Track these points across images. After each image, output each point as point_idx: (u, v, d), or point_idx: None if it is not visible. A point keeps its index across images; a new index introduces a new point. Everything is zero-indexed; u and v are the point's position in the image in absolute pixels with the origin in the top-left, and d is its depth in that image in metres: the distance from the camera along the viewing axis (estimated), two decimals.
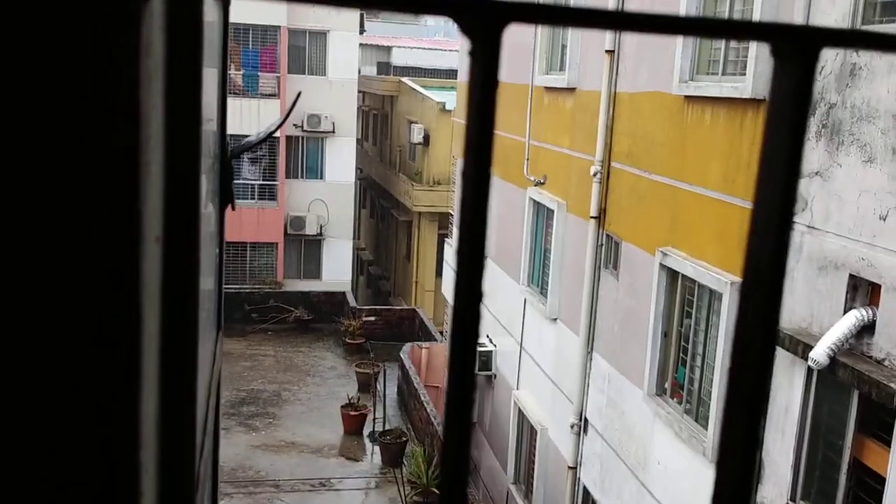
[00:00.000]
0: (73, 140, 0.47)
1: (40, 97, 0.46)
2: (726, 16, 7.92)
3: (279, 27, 24.67)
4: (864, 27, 6.13)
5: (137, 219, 0.49)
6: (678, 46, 8.43)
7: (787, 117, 0.41)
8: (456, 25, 0.38)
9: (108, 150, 0.47)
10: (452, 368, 0.41)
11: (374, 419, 16.90)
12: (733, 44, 7.88)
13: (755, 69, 7.17)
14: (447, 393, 0.42)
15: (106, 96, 0.47)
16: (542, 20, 0.39)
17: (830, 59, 6.35)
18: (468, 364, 0.41)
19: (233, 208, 1.58)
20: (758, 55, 7.16)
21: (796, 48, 0.41)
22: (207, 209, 1.09)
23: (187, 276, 0.71)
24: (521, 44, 13.03)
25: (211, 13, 1.17)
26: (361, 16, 26.43)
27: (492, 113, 0.38)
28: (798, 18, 6.67)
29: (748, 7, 7.57)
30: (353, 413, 17.08)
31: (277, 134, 24.53)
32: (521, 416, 12.92)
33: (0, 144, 0.46)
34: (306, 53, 25.54)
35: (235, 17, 23.93)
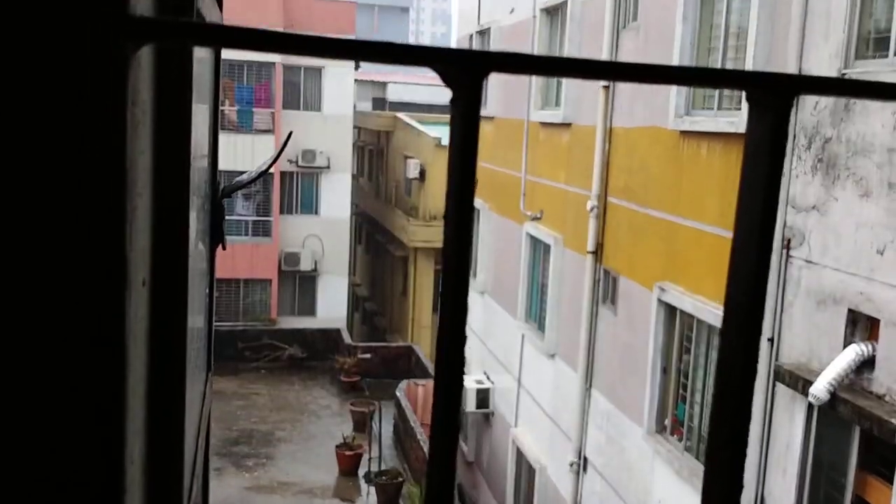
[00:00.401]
0: (59, 186, 0.47)
1: (29, 143, 0.46)
2: (720, 52, 7.98)
3: (274, 63, 24.87)
4: (858, 62, 6.17)
5: (123, 264, 0.48)
6: None
7: (763, 162, 0.42)
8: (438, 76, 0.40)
9: (94, 196, 0.47)
10: (437, 406, 0.42)
11: (369, 459, 16.68)
12: None
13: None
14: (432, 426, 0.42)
15: (93, 143, 0.46)
16: (520, 70, 0.42)
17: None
18: (453, 401, 0.42)
19: (223, 248, 1.54)
20: None
21: (770, 96, 0.42)
22: (198, 248, 1.06)
23: (175, 319, 0.69)
24: (516, 79, 13.13)
25: (201, 56, 1.15)
26: None
27: (473, 157, 0.39)
28: (792, 54, 6.71)
29: (741, 43, 7.62)
30: (347, 453, 16.86)
31: (272, 170, 24.58)
32: (520, 454, 12.76)
33: None
34: (301, 89, 25.71)
35: (230, 53, 24.17)
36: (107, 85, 0.45)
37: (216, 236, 1.44)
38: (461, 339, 0.41)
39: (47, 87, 0.45)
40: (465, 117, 0.38)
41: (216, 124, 1.60)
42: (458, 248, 0.39)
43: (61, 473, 0.51)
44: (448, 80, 0.39)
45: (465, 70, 0.38)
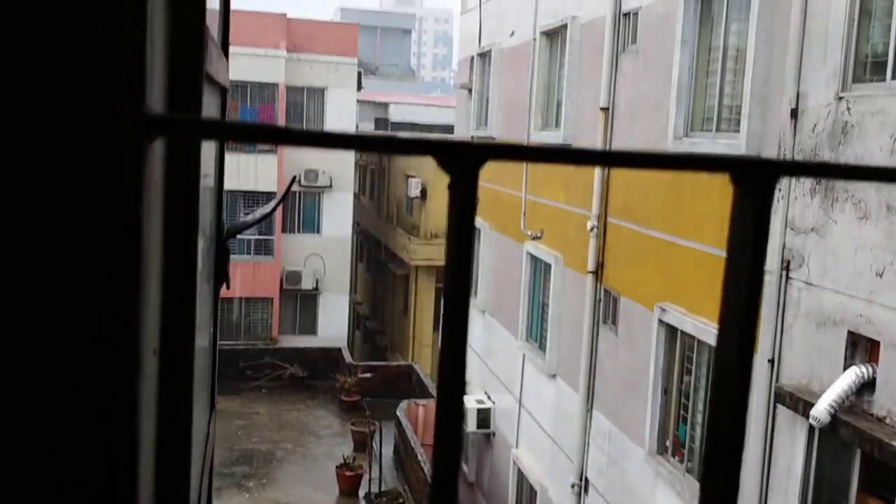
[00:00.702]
0: (76, 267, 0.49)
1: (52, 237, 0.49)
2: (719, 75, 8.03)
3: (277, 84, 25.02)
4: (855, 85, 6.22)
5: (135, 338, 0.49)
6: (672, 103, 8.54)
7: (749, 241, 0.44)
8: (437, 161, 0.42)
9: (109, 275, 0.49)
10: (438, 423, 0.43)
11: (369, 479, 16.61)
12: (727, 101, 7.98)
13: (749, 126, 7.25)
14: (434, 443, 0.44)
15: (109, 228, 0.49)
16: (515, 158, 0.44)
17: (822, 118, 6.42)
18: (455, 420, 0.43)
19: (227, 287, 1.56)
20: (750, 113, 7.24)
21: (753, 179, 0.44)
22: (202, 291, 1.09)
23: (182, 385, 0.71)
24: (517, 100, 13.21)
25: (209, 105, 1.18)
26: (359, 73, 26.84)
27: (470, 239, 0.42)
28: (790, 77, 6.76)
29: (740, 66, 7.69)
30: (348, 473, 16.79)
31: (275, 189, 24.66)
32: (521, 475, 12.71)
33: (6, 267, 0.48)
34: (304, 110, 25.85)
35: (234, 74, 24.27)
36: (123, 179, 0.48)
37: (220, 277, 1.47)
38: (462, 362, 0.43)
39: (65, 184, 0.48)
40: (463, 202, 0.41)
41: (222, 166, 1.63)
42: (456, 333, 0.41)
43: None
44: (446, 168, 0.42)
45: (463, 160, 0.41)
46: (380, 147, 0.42)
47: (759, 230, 0.44)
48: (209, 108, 1.07)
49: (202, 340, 1.13)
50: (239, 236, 25.25)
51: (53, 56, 0.46)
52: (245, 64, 24.08)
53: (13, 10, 0.46)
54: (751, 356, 0.46)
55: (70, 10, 0.46)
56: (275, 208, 2.38)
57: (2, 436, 0.51)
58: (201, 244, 1.01)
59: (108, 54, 0.46)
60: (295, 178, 3.41)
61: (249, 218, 2.33)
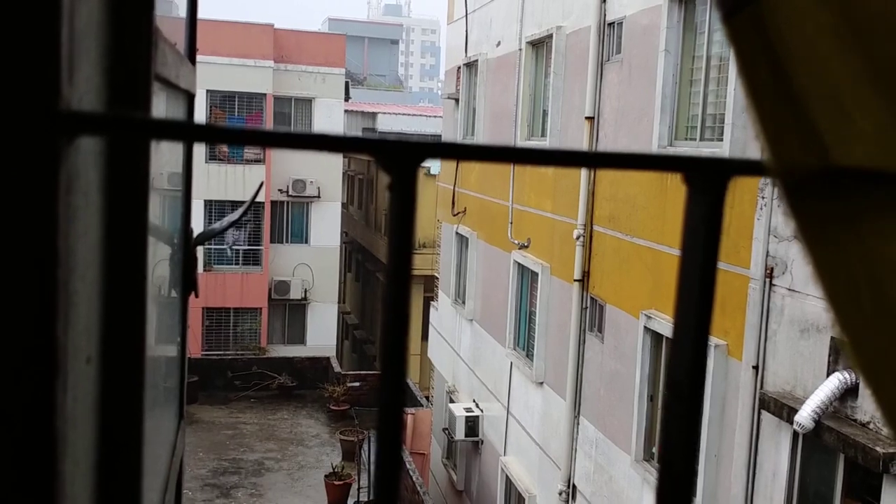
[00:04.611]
0: None
1: None
2: (703, 83, 8.10)
3: (265, 94, 25.01)
4: None
5: (54, 348, 0.48)
6: (656, 112, 8.60)
7: (701, 240, 0.44)
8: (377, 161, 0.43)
9: (21, 290, 0.47)
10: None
11: (358, 489, 16.55)
12: (710, 109, 8.04)
13: (732, 134, 7.31)
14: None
15: (18, 239, 0.46)
16: (451, 156, 0.44)
17: None
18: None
19: (196, 296, 1.57)
20: (734, 121, 7.30)
21: (707, 178, 0.44)
22: (171, 297, 1.09)
23: (129, 392, 0.70)
24: (503, 110, 13.26)
25: (174, 110, 1.17)
26: (346, 83, 26.86)
27: (410, 238, 0.42)
28: None
29: (723, 75, 7.75)
30: (337, 483, 16.72)
31: (262, 199, 24.64)
32: (509, 483, 12.70)
33: None
34: (292, 120, 25.84)
35: (221, 84, 24.31)
36: (34, 180, 0.45)
37: (188, 285, 1.46)
38: (402, 361, 0.44)
39: None
40: (402, 200, 0.42)
41: (189, 174, 1.63)
42: (395, 333, 0.42)
43: None
44: (385, 167, 0.42)
45: (400, 159, 0.42)
46: (317, 145, 0.42)
47: (711, 229, 0.44)
48: (171, 112, 1.07)
49: (164, 349, 1.12)
50: (227, 247, 25.19)
51: None
52: (233, 74, 24.07)
53: None
54: (704, 355, 0.45)
55: None
56: (242, 215, 2.39)
57: None
58: (166, 251, 1.01)
59: (14, 43, 0.43)
60: (262, 184, 3.42)
61: (217, 225, 2.34)
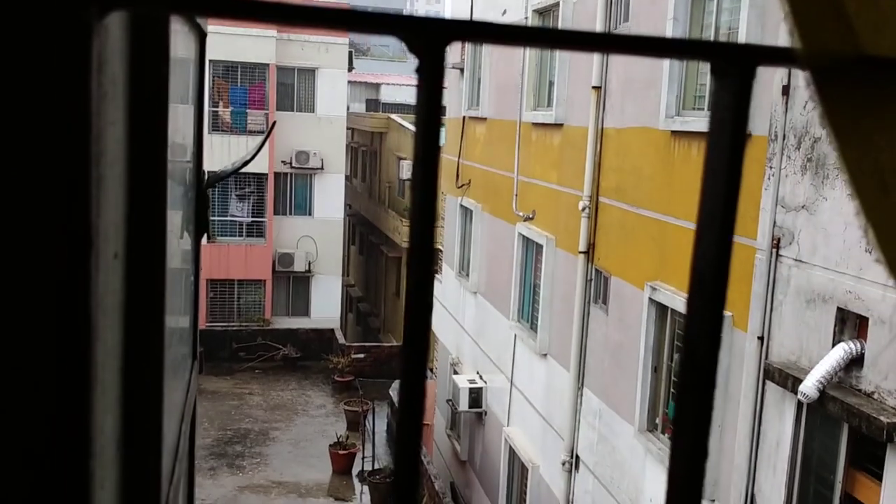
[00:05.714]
0: (18, 153, 0.47)
1: None
2: (713, 27, 8.01)
3: (268, 65, 24.85)
4: None
5: (87, 232, 0.48)
6: (664, 82, 8.53)
7: (728, 130, 0.43)
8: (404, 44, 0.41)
9: (55, 163, 0.47)
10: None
11: (363, 458, 16.69)
12: None
13: None
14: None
15: (53, 111, 0.46)
16: (482, 38, 0.42)
17: None
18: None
19: (209, 239, 1.56)
20: None
21: (734, 65, 0.43)
22: (183, 238, 1.08)
23: (152, 293, 0.70)
24: (509, 80, 13.16)
25: (186, 48, 1.16)
26: (350, 53, 26.67)
27: (437, 125, 0.41)
28: (783, 28, 6.74)
29: (734, 18, 7.66)
30: (341, 452, 16.87)
31: (266, 171, 24.58)
32: (513, 453, 12.79)
33: None
34: (295, 91, 25.71)
35: (224, 54, 24.16)
36: (69, 52, 0.45)
37: (201, 225, 1.45)
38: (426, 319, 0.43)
39: (4, 56, 0.45)
40: (429, 82, 0.40)
41: (201, 117, 1.62)
42: (422, 220, 0.40)
43: (28, 430, 0.50)
44: (412, 48, 0.40)
45: (429, 38, 0.40)
46: (339, 23, 0.40)
47: (739, 119, 0.43)
48: (186, 49, 1.06)
49: (180, 281, 1.12)
50: (230, 218, 25.18)
51: None
52: (235, 44, 23.90)
53: None
54: (728, 255, 0.45)
55: None
56: (254, 155, 2.38)
57: None
58: (181, 189, 0.99)
59: None
60: (274, 122, 3.42)
61: (230, 166, 2.33)
